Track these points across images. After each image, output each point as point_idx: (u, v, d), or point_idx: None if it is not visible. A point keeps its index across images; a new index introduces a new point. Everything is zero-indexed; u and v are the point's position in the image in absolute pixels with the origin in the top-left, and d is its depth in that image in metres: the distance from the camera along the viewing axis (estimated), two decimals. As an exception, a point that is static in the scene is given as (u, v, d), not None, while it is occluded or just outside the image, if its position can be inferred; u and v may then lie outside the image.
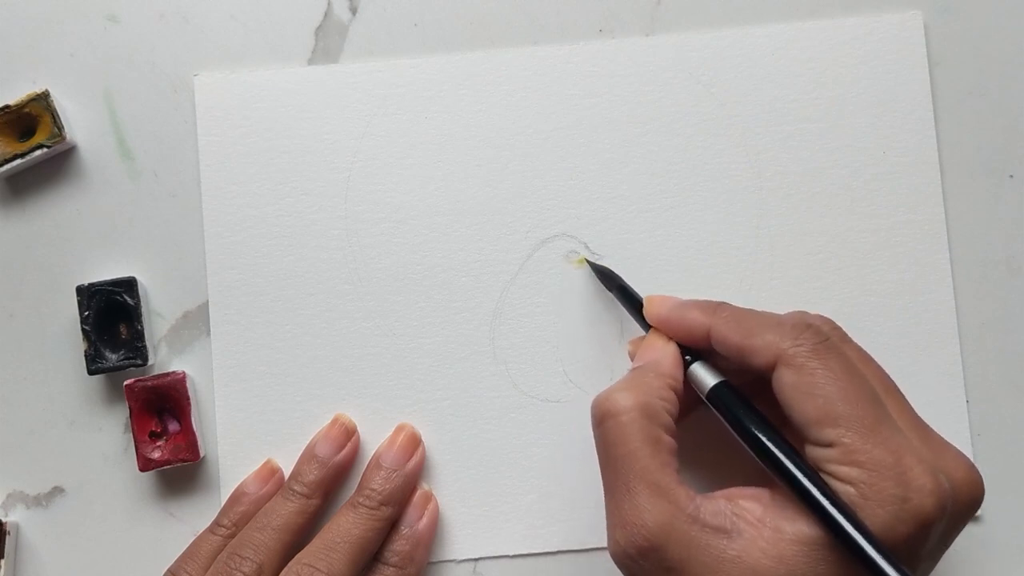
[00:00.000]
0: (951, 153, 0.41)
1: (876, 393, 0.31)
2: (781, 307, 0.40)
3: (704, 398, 0.33)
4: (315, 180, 0.41)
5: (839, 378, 0.30)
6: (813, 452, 0.30)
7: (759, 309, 0.34)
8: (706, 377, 0.33)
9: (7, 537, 0.40)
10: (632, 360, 0.36)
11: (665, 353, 0.34)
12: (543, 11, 0.42)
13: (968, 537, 0.40)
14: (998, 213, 0.41)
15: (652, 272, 0.41)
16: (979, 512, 0.39)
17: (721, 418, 0.32)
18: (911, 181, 0.41)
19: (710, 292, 0.40)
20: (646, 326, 0.36)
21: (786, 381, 0.31)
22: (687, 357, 0.34)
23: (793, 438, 0.31)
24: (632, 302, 0.37)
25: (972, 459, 0.39)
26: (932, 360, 0.40)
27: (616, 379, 0.39)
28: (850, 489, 0.28)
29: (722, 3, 0.42)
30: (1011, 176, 0.41)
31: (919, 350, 0.40)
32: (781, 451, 0.30)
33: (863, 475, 0.28)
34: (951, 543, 0.31)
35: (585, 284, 0.41)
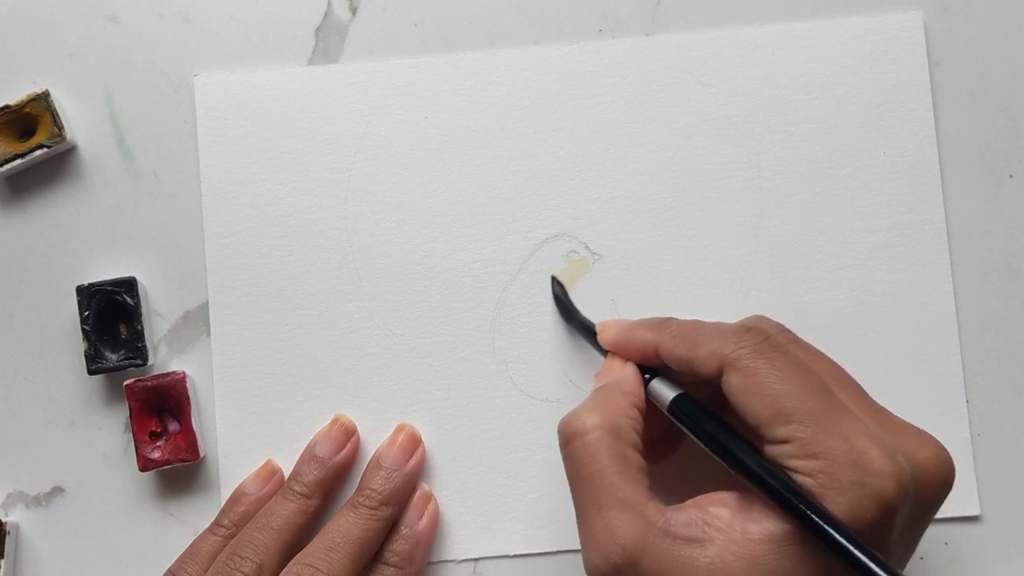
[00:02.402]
0: (951, 153, 0.41)
1: (825, 383, 0.31)
2: (781, 307, 0.40)
3: (666, 411, 0.33)
4: (315, 180, 0.41)
5: (785, 375, 0.30)
6: (771, 450, 0.30)
7: (705, 320, 0.35)
8: (665, 391, 0.34)
9: (7, 537, 0.40)
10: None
11: (625, 373, 0.35)
12: (543, 11, 0.42)
13: (968, 537, 0.40)
14: (998, 213, 0.41)
15: (652, 272, 0.41)
16: (979, 512, 0.40)
17: (684, 429, 0.33)
18: (911, 181, 0.41)
19: (710, 292, 0.40)
20: (604, 352, 0.37)
21: (733, 384, 0.31)
22: (646, 375, 0.35)
23: (752, 440, 0.31)
24: (587, 331, 0.38)
25: (972, 459, 0.39)
26: (932, 360, 0.40)
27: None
28: (809, 481, 0.29)
29: (722, 3, 0.42)
30: (1011, 176, 0.41)
31: (919, 350, 0.40)
32: (741, 451, 0.30)
33: (820, 465, 0.28)
34: (925, 527, 0.31)
35: (585, 284, 0.41)
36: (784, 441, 0.29)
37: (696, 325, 0.34)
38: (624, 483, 0.31)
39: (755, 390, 0.30)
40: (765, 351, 0.31)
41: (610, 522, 0.30)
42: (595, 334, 0.37)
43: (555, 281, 0.40)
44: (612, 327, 0.36)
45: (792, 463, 0.29)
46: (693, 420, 0.32)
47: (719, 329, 0.33)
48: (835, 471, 0.28)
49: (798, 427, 0.29)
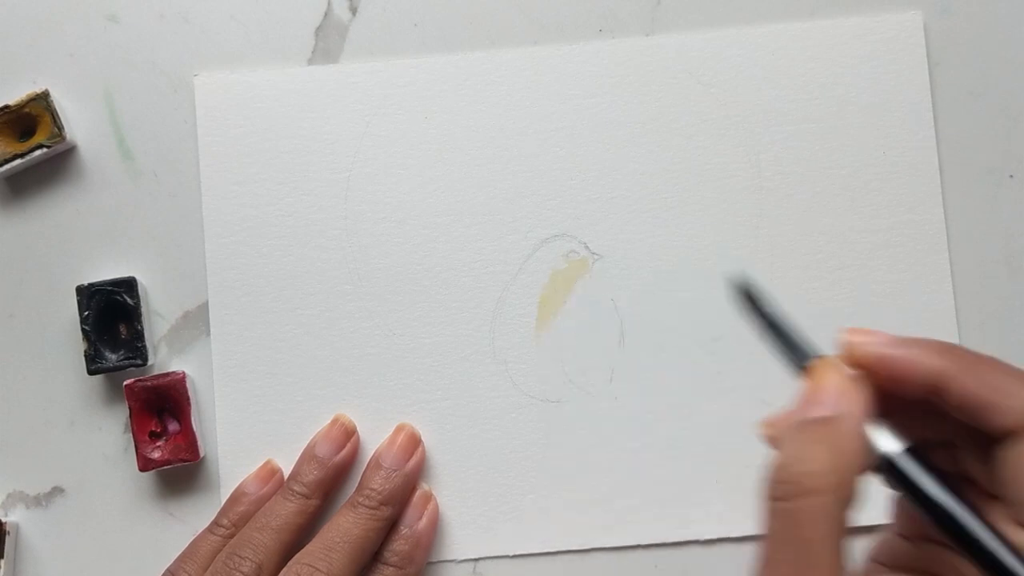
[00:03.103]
0: (951, 153, 0.41)
1: None
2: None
3: (883, 464, 0.26)
4: (315, 180, 0.41)
5: None
6: None
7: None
8: (888, 440, 0.26)
9: (7, 537, 0.40)
10: (769, 432, 0.27)
11: (861, 404, 0.26)
12: (543, 11, 0.42)
13: (968, 537, 0.40)
14: (998, 213, 0.41)
15: (652, 272, 0.41)
16: (979, 512, 0.39)
17: (898, 487, 0.26)
18: (911, 181, 0.41)
19: (710, 292, 0.40)
20: (800, 364, 0.27)
21: None
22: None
23: (989, 505, 0.26)
24: (789, 341, 0.28)
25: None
26: (932, 360, 0.40)
27: (614, 380, 0.39)
28: None
29: (722, 3, 0.42)
30: (1011, 176, 0.41)
31: (919, 350, 0.40)
32: (996, 541, 0.24)
33: None
34: None
35: (585, 284, 0.41)
36: None
37: (993, 362, 0.26)
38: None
39: None
40: None
41: None
42: (801, 349, 0.28)
43: (738, 284, 0.30)
44: (870, 335, 0.27)
45: None
46: (917, 482, 0.25)
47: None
48: None
49: None
